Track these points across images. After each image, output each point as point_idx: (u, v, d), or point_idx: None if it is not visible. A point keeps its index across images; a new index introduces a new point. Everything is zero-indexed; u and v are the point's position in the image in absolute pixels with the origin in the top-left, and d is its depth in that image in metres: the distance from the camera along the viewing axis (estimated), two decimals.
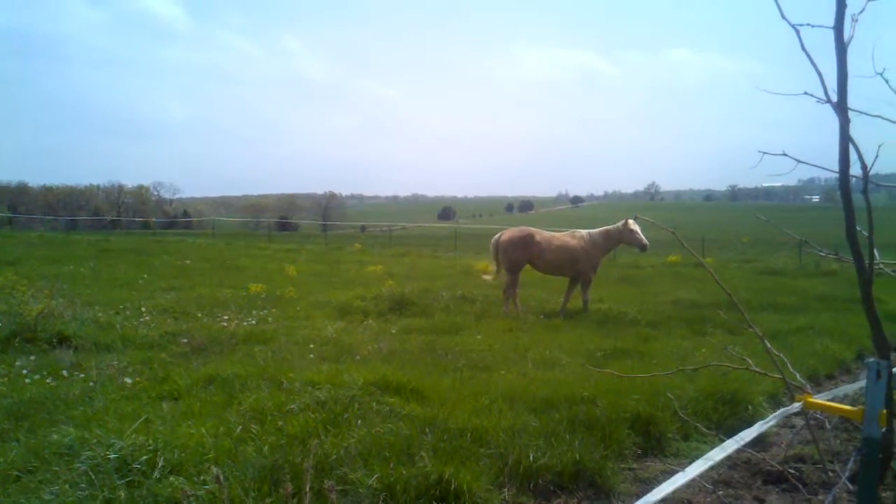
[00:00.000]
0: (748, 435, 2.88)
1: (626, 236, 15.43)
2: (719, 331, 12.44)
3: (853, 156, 3.27)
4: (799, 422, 4.74)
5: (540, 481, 5.75)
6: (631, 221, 15.37)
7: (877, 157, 3.31)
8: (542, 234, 15.74)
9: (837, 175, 3.35)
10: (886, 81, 3.29)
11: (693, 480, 5.15)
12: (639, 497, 6.01)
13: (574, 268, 15.59)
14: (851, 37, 3.17)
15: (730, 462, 6.64)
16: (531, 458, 5.85)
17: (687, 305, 16.32)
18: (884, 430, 2.84)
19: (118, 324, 11.87)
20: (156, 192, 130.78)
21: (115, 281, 19.27)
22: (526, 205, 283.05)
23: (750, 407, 8.02)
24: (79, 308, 12.67)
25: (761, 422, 2.97)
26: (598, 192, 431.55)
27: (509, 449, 5.96)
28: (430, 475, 5.27)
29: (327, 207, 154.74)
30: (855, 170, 3.31)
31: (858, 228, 3.31)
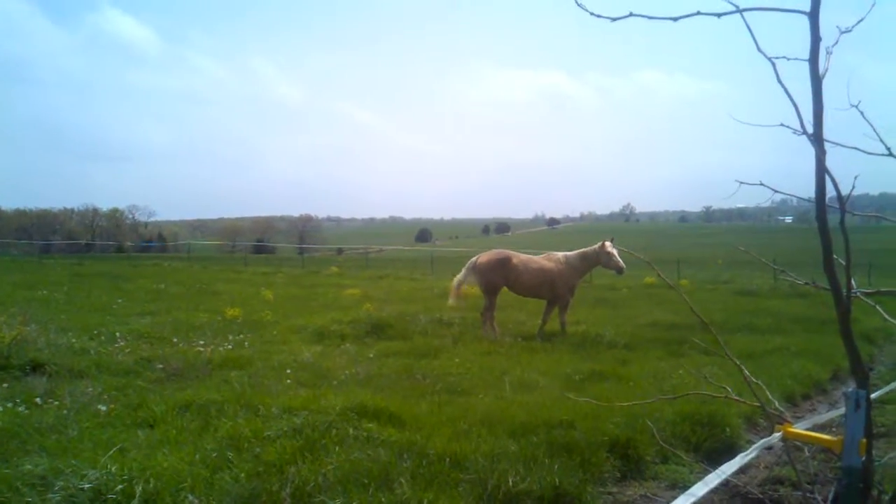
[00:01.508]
0: (730, 468, 2.88)
1: (602, 259, 15.47)
2: (696, 352, 12.47)
3: (829, 186, 3.30)
4: (778, 444, 4.75)
5: None
6: (608, 244, 15.42)
7: (853, 188, 3.34)
8: (518, 257, 15.78)
9: (809, 200, 3.38)
10: (861, 113, 3.33)
11: None
12: None
13: (551, 290, 15.62)
14: (826, 69, 3.21)
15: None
16: (511, 483, 5.82)
17: (664, 327, 16.39)
18: (863, 458, 2.85)
19: (92, 350, 11.72)
20: (131, 216, 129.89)
21: (89, 306, 19.10)
22: (502, 227, 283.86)
23: (728, 429, 8.06)
24: (52, 334, 12.52)
25: (742, 454, 2.97)
26: (574, 214, 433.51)
27: (488, 474, 5.93)
28: (410, 502, 5.24)
29: (304, 230, 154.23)
30: (830, 199, 3.34)
31: (835, 257, 3.33)
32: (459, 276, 15.89)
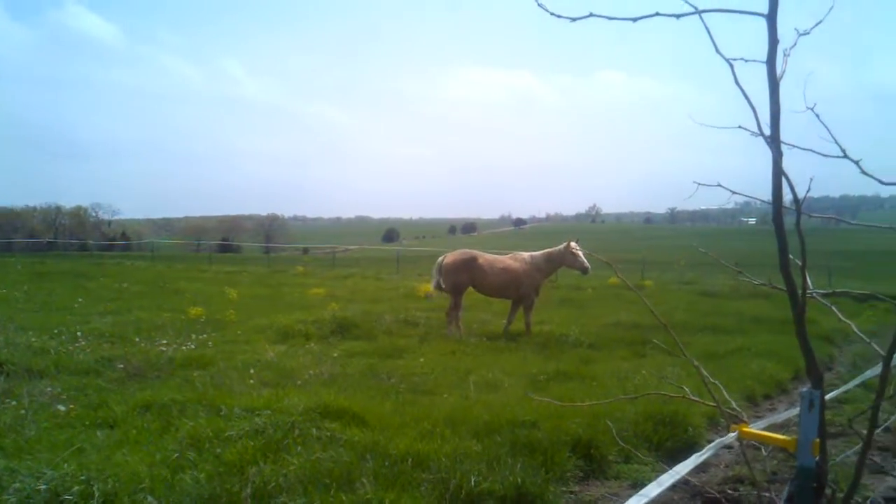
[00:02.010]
0: (684, 468, 2.90)
1: (567, 259, 15.55)
2: (659, 352, 12.54)
3: (786, 188, 3.34)
4: (738, 443, 4.80)
5: None
6: (573, 244, 15.49)
7: (808, 189, 3.38)
8: (484, 257, 15.81)
9: (768, 202, 3.41)
10: (817, 116, 3.36)
11: None
12: None
13: (516, 290, 15.67)
14: (783, 71, 3.24)
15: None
16: (473, 483, 5.82)
17: (627, 327, 16.50)
18: (817, 458, 2.88)
19: (52, 349, 11.56)
20: (94, 214, 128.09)
21: (50, 305, 18.86)
22: (469, 227, 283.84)
23: (689, 429, 8.13)
24: (11, 333, 12.37)
25: (696, 454, 2.99)
26: (541, 214, 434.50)
27: (451, 474, 5.93)
28: (371, 502, 5.22)
29: (270, 229, 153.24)
30: (787, 200, 3.38)
31: (791, 257, 3.37)
32: (434, 282, 16.03)
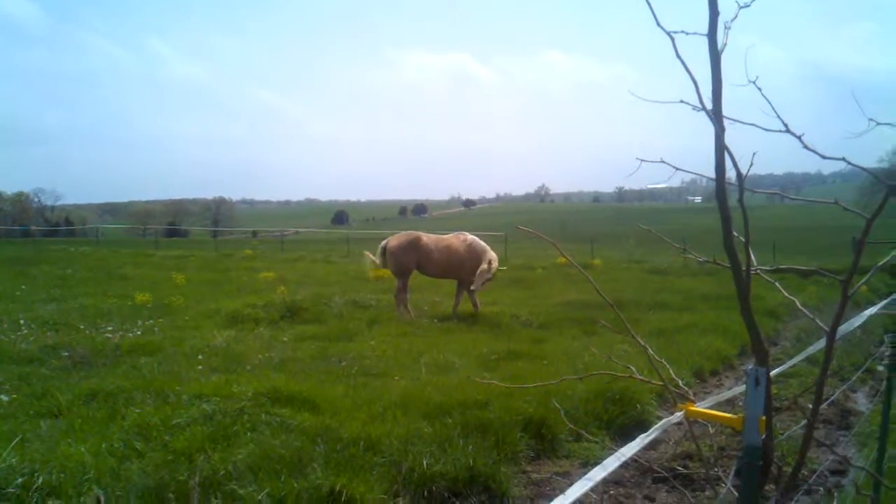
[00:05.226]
0: (629, 451, 2.91)
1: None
2: (609, 331, 12.60)
3: (728, 163, 3.34)
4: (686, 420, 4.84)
5: (434, 488, 5.74)
6: (488, 266, 15.44)
7: (751, 164, 3.39)
8: (428, 237, 15.86)
9: (711, 179, 3.40)
10: (759, 90, 3.37)
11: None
12: (532, 501, 6.08)
13: (459, 270, 15.71)
14: (725, 44, 3.24)
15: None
16: (425, 465, 5.84)
17: (578, 306, 16.59)
18: (763, 436, 2.90)
19: None
20: (37, 199, 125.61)
21: None
22: (420, 208, 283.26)
23: (639, 405, 8.22)
24: None
25: (642, 436, 3.00)
26: (490, 195, 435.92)
27: (403, 457, 5.94)
28: (322, 487, 5.20)
29: (217, 213, 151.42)
30: (731, 176, 3.38)
31: (735, 234, 3.38)
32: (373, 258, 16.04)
